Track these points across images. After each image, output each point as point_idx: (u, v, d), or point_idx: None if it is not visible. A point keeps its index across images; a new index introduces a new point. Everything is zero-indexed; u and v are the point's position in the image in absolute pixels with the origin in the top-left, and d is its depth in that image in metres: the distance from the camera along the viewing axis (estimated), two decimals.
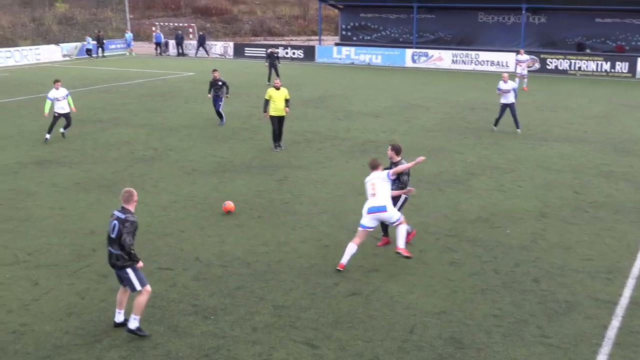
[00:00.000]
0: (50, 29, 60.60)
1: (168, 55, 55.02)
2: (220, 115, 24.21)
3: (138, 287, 9.07)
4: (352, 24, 52.34)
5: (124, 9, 62.18)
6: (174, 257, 11.94)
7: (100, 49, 52.98)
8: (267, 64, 36.17)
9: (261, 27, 72.88)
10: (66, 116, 21.58)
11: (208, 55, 52.95)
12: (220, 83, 23.86)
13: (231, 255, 12.07)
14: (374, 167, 11.52)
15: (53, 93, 21.34)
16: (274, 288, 10.73)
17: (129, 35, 56.09)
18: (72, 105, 21.81)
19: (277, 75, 33.93)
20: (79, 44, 53.66)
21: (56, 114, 21.45)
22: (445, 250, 12.35)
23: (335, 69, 44.21)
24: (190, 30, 59.37)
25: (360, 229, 11.46)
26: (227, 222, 13.84)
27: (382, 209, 11.25)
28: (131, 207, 9.05)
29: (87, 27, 63.59)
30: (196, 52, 53.70)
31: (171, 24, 63.48)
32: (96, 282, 10.91)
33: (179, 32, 56.17)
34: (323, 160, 19.09)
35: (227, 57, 52.63)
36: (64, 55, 51.65)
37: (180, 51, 54.32)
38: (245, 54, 51.88)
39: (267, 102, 19.93)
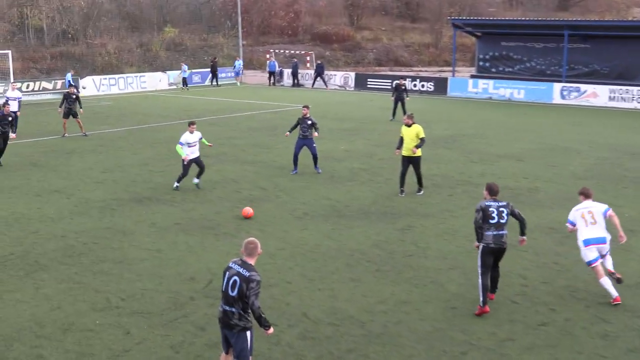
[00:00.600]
0: (158, 56, 63.48)
1: (282, 85, 56.31)
2: (315, 159, 22.99)
3: (249, 354, 8.90)
4: (491, 54, 51.90)
5: (236, 35, 64.35)
6: (278, 312, 12.00)
7: (213, 77, 55.14)
8: (392, 97, 36.26)
9: (387, 56, 73.51)
10: (197, 162, 20.67)
11: (326, 86, 53.82)
12: (309, 122, 22.46)
13: (343, 312, 12.00)
14: (587, 195, 12.68)
15: (186, 137, 20.37)
16: (391, 354, 10.56)
17: (238, 63, 57.96)
18: (207, 143, 21.41)
19: (404, 110, 33.89)
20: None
21: (185, 162, 20.53)
22: (597, 321, 11.80)
23: (470, 105, 43.84)
24: (308, 58, 60.64)
25: (593, 265, 12.24)
26: (339, 274, 13.82)
27: (602, 240, 12.26)
28: (253, 261, 8.86)
29: (196, 53, 66.21)
30: (313, 83, 54.70)
31: (287, 51, 65.08)
32: (192, 335, 11.10)
33: (295, 60, 57.46)
34: (453, 209, 18.82)
35: (347, 88, 53.31)
36: (170, 84, 53.88)
37: (296, 81, 55.50)
38: (368, 86, 52.38)
39: (401, 140, 19.98)
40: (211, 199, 19.63)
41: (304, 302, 12.43)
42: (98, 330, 11.25)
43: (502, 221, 11.93)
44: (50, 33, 62.90)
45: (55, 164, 24.57)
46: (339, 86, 53.98)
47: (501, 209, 12.00)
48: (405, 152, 19.87)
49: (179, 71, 54.07)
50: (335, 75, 55.20)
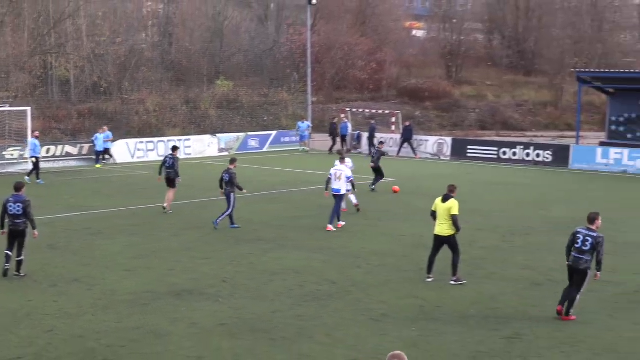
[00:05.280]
0: (207, 115, 64.56)
1: (359, 153, 56.20)
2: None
3: None
4: (626, 116, 51.54)
5: (304, 89, 65.07)
6: None
7: (335, 141, 56.20)
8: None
9: (493, 117, 73.66)
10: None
11: (415, 154, 53.66)
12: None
13: None
14: None
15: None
16: None
17: (304, 125, 58.46)
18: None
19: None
20: (241, 135, 56.71)
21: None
22: None
23: (600, 180, 43.34)
24: (393, 119, 60.72)
25: None
26: None
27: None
28: None
29: (254, 112, 67.21)
30: (399, 150, 54.41)
31: (367, 110, 65.43)
32: None
33: (372, 122, 57.23)
34: (576, 312, 18.42)
35: (441, 157, 53.23)
36: (222, 149, 54.72)
37: (372, 149, 55.27)
38: (468, 155, 52.25)
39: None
40: (267, 295, 19.65)
41: None
42: None
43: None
44: (79, 86, 64.55)
45: (78, 247, 25.00)
46: (432, 155, 53.96)
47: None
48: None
49: (241, 134, 54.90)
50: (427, 140, 55.30)
